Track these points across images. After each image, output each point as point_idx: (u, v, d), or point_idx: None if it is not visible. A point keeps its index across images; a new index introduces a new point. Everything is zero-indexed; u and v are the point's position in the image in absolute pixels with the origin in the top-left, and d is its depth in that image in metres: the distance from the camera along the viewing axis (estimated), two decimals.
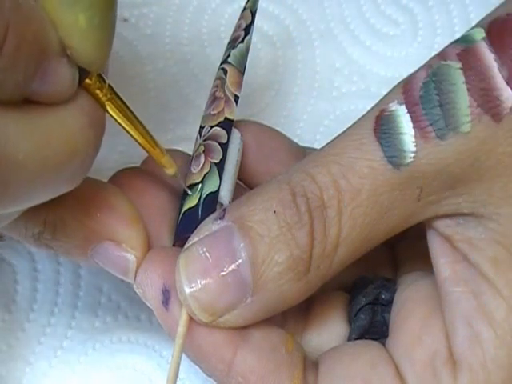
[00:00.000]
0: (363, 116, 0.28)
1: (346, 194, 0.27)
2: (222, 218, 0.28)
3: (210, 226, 0.28)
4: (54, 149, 0.24)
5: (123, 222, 0.29)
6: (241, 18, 0.34)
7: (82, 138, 0.24)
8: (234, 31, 0.34)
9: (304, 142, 0.38)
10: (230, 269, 0.27)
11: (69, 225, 0.29)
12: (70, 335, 0.37)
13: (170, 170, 0.29)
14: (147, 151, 0.28)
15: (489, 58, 0.26)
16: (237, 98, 0.32)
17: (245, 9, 0.35)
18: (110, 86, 0.26)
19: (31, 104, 0.23)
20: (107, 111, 0.26)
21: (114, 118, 0.27)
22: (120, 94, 0.27)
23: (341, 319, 0.32)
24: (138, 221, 0.30)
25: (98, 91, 0.25)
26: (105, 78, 0.26)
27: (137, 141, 0.28)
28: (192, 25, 0.44)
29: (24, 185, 0.23)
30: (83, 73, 0.25)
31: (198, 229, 0.28)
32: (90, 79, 0.25)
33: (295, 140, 0.36)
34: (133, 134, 0.28)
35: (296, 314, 0.31)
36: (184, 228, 0.30)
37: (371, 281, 0.32)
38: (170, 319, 0.29)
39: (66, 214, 0.29)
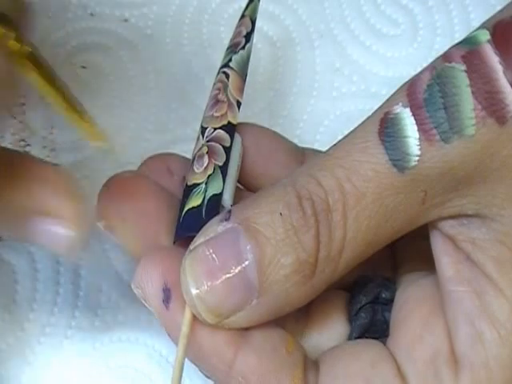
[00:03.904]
0: (368, 118, 0.28)
1: (350, 198, 0.27)
2: (227, 219, 0.28)
3: (215, 228, 0.28)
4: None
5: (57, 196, 0.28)
6: (240, 24, 0.34)
7: None
8: (235, 37, 0.34)
9: (304, 142, 0.38)
10: (236, 271, 0.27)
11: None
12: (70, 335, 0.37)
13: (100, 143, 0.26)
14: (70, 119, 0.25)
15: (493, 60, 0.26)
16: (239, 104, 0.32)
17: (244, 16, 0.35)
18: (33, 52, 0.23)
19: None
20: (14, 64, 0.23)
21: (24, 74, 0.24)
22: (49, 64, 0.24)
23: (341, 318, 0.32)
24: (75, 196, 0.28)
25: (12, 42, 0.23)
26: (29, 42, 0.23)
27: (57, 106, 0.24)
28: (192, 25, 0.44)
29: None
30: None
31: (203, 230, 0.28)
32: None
33: (295, 140, 0.36)
34: (50, 96, 0.24)
35: (296, 314, 0.31)
36: (186, 227, 0.30)
37: (371, 280, 0.32)
38: (170, 318, 0.28)
39: None
